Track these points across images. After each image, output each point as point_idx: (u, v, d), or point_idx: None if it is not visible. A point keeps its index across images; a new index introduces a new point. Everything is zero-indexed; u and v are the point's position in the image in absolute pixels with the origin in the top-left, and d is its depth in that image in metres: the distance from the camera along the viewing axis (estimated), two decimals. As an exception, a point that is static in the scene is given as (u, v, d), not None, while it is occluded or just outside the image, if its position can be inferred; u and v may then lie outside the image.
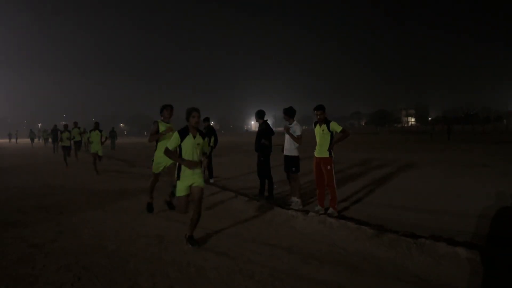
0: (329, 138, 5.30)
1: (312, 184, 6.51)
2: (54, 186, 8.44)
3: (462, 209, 5.32)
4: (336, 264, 3.44)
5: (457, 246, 3.45)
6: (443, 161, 11.91)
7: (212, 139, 8.63)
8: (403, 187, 7.31)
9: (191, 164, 3.82)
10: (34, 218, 5.29)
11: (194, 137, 3.90)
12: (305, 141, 5.78)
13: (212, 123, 9.21)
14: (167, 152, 3.87)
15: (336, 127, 5.27)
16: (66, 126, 13.49)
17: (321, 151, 5.35)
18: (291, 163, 5.88)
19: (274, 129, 6.70)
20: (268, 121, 6.62)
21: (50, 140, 27.44)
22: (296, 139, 5.79)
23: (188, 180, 3.91)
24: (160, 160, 5.42)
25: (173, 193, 3.87)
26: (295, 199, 5.82)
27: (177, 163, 3.92)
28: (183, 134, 3.88)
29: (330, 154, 5.30)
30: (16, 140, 42.33)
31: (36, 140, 35.43)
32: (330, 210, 5.19)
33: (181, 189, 3.90)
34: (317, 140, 5.43)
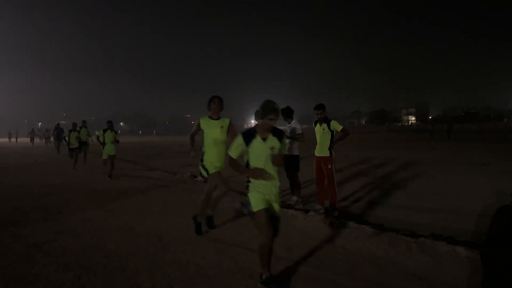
0: (329, 137, 5.31)
1: (312, 183, 6.50)
2: (53, 185, 8.43)
3: (462, 208, 5.31)
4: (336, 263, 3.44)
5: (457, 245, 3.45)
6: (443, 159, 11.90)
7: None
8: (403, 186, 7.31)
9: (259, 174, 2.87)
10: (33, 218, 5.29)
11: (265, 140, 2.93)
12: (308, 138, 5.75)
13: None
14: (231, 163, 2.99)
15: (336, 126, 5.28)
16: (74, 125, 11.91)
17: (321, 150, 5.36)
18: (291, 162, 5.87)
19: None
20: None
21: (51, 139, 26.94)
22: (299, 138, 5.77)
23: (266, 188, 2.94)
24: (213, 159, 4.26)
25: (244, 209, 2.99)
26: (295, 198, 5.82)
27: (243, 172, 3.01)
28: (248, 137, 2.95)
29: (330, 153, 5.31)
30: (16, 140, 42.33)
31: (37, 139, 35.20)
32: (330, 209, 5.19)
33: (257, 201, 2.88)
34: (318, 139, 5.44)
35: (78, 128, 12.04)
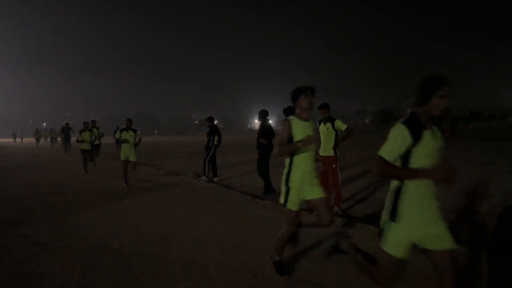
0: (333, 136, 5.30)
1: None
2: (58, 185, 8.48)
3: (466, 208, 5.28)
4: (341, 263, 3.42)
5: (462, 245, 3.42)
6: (448, 159, 11.80)
7: (216, 138, 8.67)
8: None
9: (440, 173, 1.91)
10: (38, 217, 5.32)
11: (433, 131, 2.08)
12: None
13: (215, 122, 9.23)
14: (390, 171, 1.98)
15: (340, 125, 5.27)
16: (86, 124, 10.67)
17: (325, 149, 5.35)
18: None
19: (277, 128, 6.80)
20: (270, 121, 6.74)
21: (58, 139, 26.28)
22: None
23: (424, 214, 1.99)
24: (305, 178, 3.01)
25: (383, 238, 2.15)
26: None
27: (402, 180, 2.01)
28: (415, 129, 1.99)
29: (335, 152, 5.30)
30: (22, 140, 42.56)
31: (42, 140, 34.30)
32: (335, 209, 5.17)
33: (395, 242, 2.05)
34: (322, 138, 5.43)
35: (90, 128, 10.91)
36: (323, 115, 5.41)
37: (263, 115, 6.70)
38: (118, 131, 8.43)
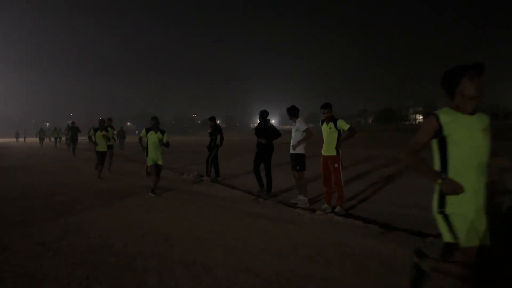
0: (336, 136, 5.29)
1: (319, 182, 6.48)
2: (61, 184, 8.51)
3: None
4: (343, 262, 3.41)
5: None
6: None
7: (218, 138, 8.68)
8: (411, 184, 7.23)
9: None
10: (41, 217, 5.34)
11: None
12: (314, 137, 5.74)
13: (218, 122, 9.25)
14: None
15: (343, 125, 5.26)
16: (102, 122, 9.55)
17: (328, 149, 5.34)
18: (297, 161, 5.86)
19: (280, 127, 6.82)
20: (272, 121, 6.78)
21: (64, 139, 25.47)
22: (307, 135, 5.79)
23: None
24: (470, 215, 2.16)
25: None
26: (301, 197, 5.81)
27: None
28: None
29: (337, 152, 5.28)
30: (25, 140, 42.59)
31: (46, 140, 32.83)
32: (337, 209, 5.17)
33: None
34: (324, 138, 5.42)
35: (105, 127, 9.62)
36: (325, 115, 5.40)
37: (263, 115, 6.74)
38: (144, 131, 7.12)
